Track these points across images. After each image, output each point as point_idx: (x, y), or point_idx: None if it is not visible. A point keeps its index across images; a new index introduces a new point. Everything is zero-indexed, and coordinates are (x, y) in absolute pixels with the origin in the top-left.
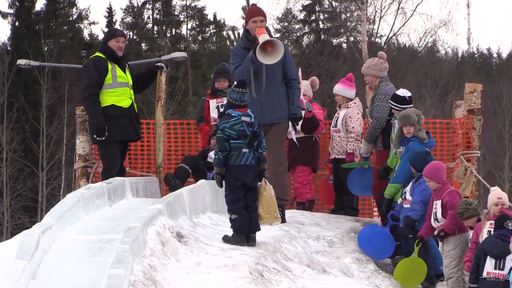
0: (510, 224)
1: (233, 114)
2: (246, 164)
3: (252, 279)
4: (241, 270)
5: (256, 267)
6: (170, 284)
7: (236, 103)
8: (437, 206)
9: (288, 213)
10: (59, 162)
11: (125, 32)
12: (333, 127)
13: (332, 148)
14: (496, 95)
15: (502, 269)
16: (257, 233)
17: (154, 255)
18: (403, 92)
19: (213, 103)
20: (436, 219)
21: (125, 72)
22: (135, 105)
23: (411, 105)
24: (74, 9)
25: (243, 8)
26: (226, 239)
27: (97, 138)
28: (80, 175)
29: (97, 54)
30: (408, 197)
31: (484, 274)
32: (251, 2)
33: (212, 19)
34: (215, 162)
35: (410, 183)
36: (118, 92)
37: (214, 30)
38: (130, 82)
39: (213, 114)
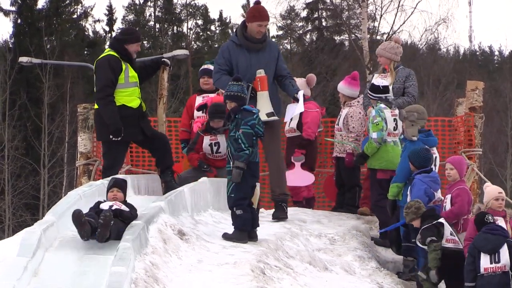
0: (490, 217)
1: (254, 111)
2: (257, 161)
3: (253, 276)
4: (242, 267)
5: (258, 264)
6: (171, 282)
7: (242, 95)
8: (447, 200)
9: (290, 210)
10: (61, 159)
11: None
12: (336, 125)
13: (335, 146)
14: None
15: (498, 262)
16: (259, 231)
17: (155, 252)
18: (378, 82)
19: (206, 139)
20: None
21: (135, 71)
22: (143, 104)
23: (387, 94)
24: (79, 7)
25: (244, 7)
26: (227, 236)
27: (113, 139)
28: (82, 173)
29: (110, 52)
30: (408, 200)
31: (482, 271)
32: (252, 1)
33: (217, 17)
34: (243, 158)
35: (409, 187)
36: (128, 92)
37: (220, 28)
38: (138, 82)
39: (206, 150)
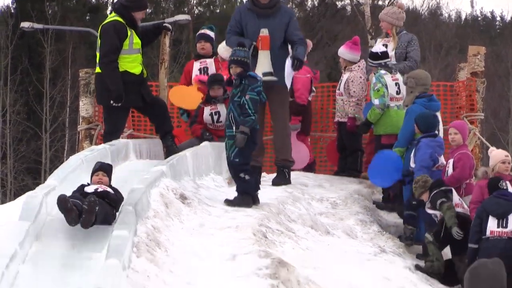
0: (504, 183)
1: (258, 78)
2: (258, 128)
3: (255, 240)
4: (244, 231)
5: (260, 228)
6: (173, 245)
7: (247, 60)
8: (450, 164)
9: (292, 174)
10: (63, 124)
11: None
12: (337, 89)
13: (336, 111)
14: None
15: (506, 227)
16: (261, 195)
17: (157, 216)
18: (376, 49)
19: (207, 110)
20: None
21: (139, 38)
22: (144, 71)
23: (386, 60)
24: None
25: None
26: (231, 202)
27: (114, 104)
28: (84, 137)
29: (116, 18)
30: (412, 164)
31: (488, 234)
32: None
33: None
34: (249, 123)
35: (413, 151)
36: (131, 58)
37: None
38: (141, 48)
39: (207, 121)
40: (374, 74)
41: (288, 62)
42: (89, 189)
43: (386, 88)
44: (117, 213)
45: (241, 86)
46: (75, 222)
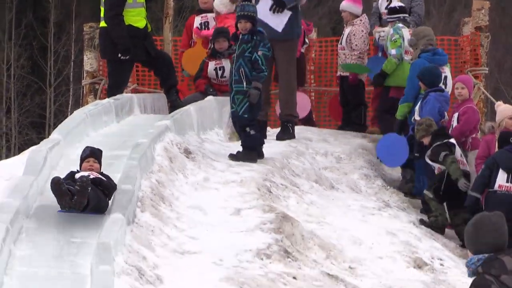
0: None
1: (264, 33)
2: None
3: (260, 194)
4: (248, 186)
5: (264, 183)
6: (177, 200)
7: (256, 16)
8: (454, 118)
9: (296, 129)
10: (67, 78)
11: None
12: (339, 44)
13: (338, 65)
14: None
15: None
16: (265, 149)
17: (162, 171)
18: (395, 3)
19: (211, 64)
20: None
21: None
22: (148, 25)
23: (404, 14)
24: None
25: None
26: (236, 156)
27: (122, 57)
28: (88, 92)
29: None
30: (417, 117)
31: (496, 187)
32: None
33: None
34: (263, 79)
35: (419, 103)
36: (135, 12)
37: None
38: (145, 2)
39: (211, 75)
40: (392, 27)
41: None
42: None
43: (403, 40)
44: (109, 201)
45: (253, 42)
46: (69, 206)
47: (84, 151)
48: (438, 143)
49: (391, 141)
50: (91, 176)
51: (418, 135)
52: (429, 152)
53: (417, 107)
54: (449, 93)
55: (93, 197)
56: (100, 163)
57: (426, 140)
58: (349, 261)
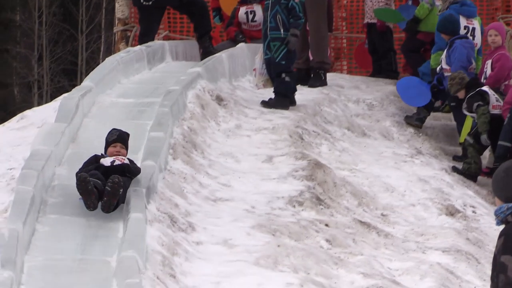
0: None
1: None
2: None
3: (291, 142)
4: (280, 133)
5: (296, 130)
6: (209, 147)
7: None
8: (488, 65)
9: (328, 76)
10: (99, 25)
11: None
12: None
13: (365, 12)
14: None
15: None
16: (297, 96)
17: (193, 118)
18: None
19: (243, 9)
20: (485, 78)
21: None
22: None
23: None
24: None
25: None
26: (268, 103)
27: (144, 3)
28: (120, 39)
29: None
30: (445, 65)
31: None
32: None
33: None
34: (300, 26)
35: (445, 51)
36: None
37: None
38: None
39: (241, 20)
40: None
41: None
42: (105, 162)
43: None
44: None
45: None
46: (94, 206)
47: (111, 133)
48: (472, 93)
49: (413, 84)
50: (116, 163)
51: (453, 89)
52: (464, 104)
53: (443, 56)
54: (477, 45)
55: (122, 198)
56: (127, 148)
57: (461, 94)
58: (381, 208)
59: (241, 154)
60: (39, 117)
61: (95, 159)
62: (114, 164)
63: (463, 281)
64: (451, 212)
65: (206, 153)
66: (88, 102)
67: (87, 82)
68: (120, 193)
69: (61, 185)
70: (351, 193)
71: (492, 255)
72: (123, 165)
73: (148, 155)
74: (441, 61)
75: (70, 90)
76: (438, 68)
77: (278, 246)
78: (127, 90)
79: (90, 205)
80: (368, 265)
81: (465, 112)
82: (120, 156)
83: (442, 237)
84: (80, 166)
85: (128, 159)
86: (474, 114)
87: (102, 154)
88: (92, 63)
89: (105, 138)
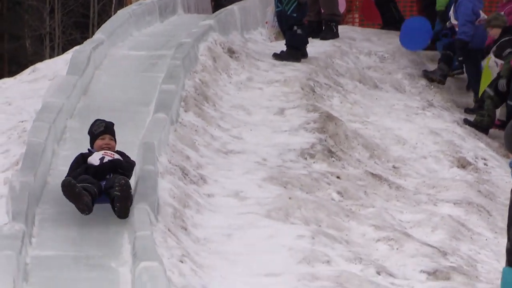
0: None
1: None
2: None
3: (303, 94)
4: (292, 85)
5: (308, 82)
6: (221, 100)
7: None
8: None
9: (339, 28)
10: None
11: None
12: None
13: None
14: None
15: None
16: (309, 49)
17: (205, 70)
18: None
19: None
20: None
21: None
22: None
23: None
24: None
25: None
26: (280, 56)
27: None
28: None
29: None
30: (453, 21)
31: None
32: None
33: None
34: None
35: (452, 7)
36: None
37: None
38: None
39: None
40: None
41: None
42: (94, 160)
43: None
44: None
45: None
46: (89, 209)
47: (96, 125)
48: (506, 38)
49: (415, 24)
50: (106, 160)
51: (493, 23)
52: (494, 47)
53: (451, 11)
54: None
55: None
56: (115, 139)
57: (496, 32)
58: (392, 160)
59: (253, 107)
60: (51, 70)
61: (82, 158)
62: (104, 161)
63: (475, 233)
64: (463, 164)
65: (218, 105)
66: (99, 55)
67: (98, 34)
68: (132, 193)
69: (73, 137)
70: (362, 145)
71: (503, 208)
72: (114, 162)
73: (159, 108)
74: (450, 17)
75: (82, 43)
76: (448, 23)
77: (290, 198)
78: (138, 42)
79: (83, 209)
80: (380, 217)
81: (491, 55)
82: (109, 151)
83: (453, 190)
84: (92, 118)
85: (118, 151)
86: (499, 60)
87: (88, 149)
88: (104, 15)
89: (88, 130)
